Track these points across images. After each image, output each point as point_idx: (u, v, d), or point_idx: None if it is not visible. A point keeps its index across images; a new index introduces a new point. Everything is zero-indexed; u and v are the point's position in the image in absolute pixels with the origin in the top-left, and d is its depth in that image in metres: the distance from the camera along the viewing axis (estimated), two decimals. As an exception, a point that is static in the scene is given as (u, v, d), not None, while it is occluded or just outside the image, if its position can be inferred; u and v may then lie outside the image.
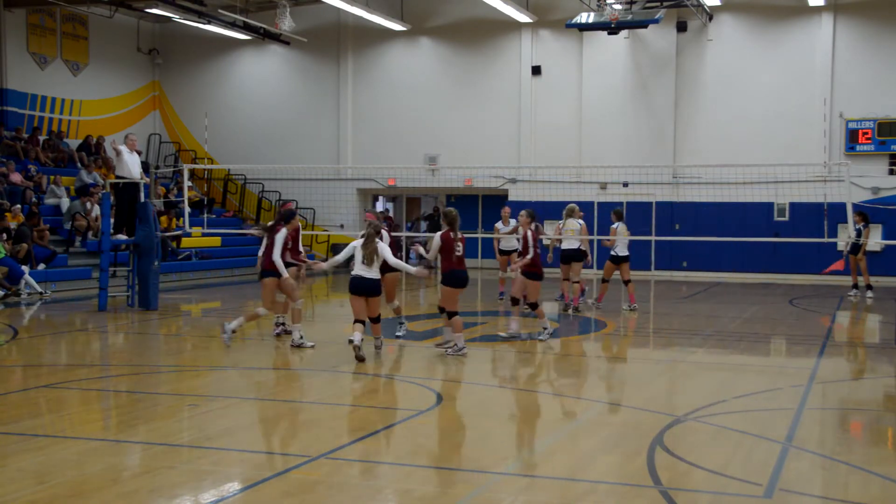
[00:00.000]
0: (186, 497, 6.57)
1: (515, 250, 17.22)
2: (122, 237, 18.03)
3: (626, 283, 17.78)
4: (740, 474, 7.08)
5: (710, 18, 27.34)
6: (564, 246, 17.39)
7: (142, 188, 18.25)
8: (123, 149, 18.03)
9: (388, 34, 30.39)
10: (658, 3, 24.31)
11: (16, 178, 23.95)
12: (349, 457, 7.52)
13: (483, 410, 9.46)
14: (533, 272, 13.69)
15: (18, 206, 22.21)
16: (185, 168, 20.97)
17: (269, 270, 12.76)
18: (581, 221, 17.58)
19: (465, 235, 12.82)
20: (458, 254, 12.40)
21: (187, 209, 21.14)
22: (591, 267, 19.12)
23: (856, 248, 20.55)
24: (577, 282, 17.46)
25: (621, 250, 17.64)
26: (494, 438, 8.32)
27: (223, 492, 6.63)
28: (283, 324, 13.84)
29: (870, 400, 10.77)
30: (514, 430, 8.78)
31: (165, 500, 6.54)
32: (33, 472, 7.01)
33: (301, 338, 12.93)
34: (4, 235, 20.09)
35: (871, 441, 8.64)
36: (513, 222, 18.46)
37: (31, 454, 7.50)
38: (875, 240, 20.05)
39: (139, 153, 19.46)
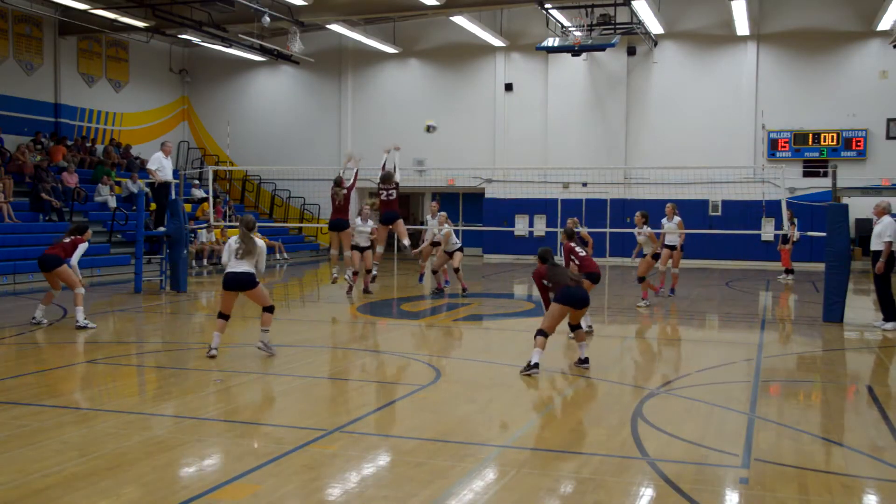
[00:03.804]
0: (215, 470, 5.90)
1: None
2: (161, 229, 17.46)
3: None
4: (717, 445, 6.48)
5: (656, 44, 26.98)
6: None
7: (173, 187, 17.63)
8: (160, 154, 17.41)
9: (383, 56, 29.90)
10: (612, 30, 23.91)
11: (72, 180, 23.12)
12: (362, 430, 6.86)
13: (477, 385, 8.78)
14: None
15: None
16: (211, 169, 20.41)
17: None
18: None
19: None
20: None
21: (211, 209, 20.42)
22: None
23: (785, 239, 20.30)
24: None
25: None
26: (491, 413, 7.68)
27: (248, 465, 5.94)
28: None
29: (812, 371, 10.15)
30: (508, 405, 7.99)
31: (195, 473, 5.88)
32: (76, 445, 6.34)
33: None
34: None
35: (824, 412, 8.04)
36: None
37: (76, 426, 6.85)
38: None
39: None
